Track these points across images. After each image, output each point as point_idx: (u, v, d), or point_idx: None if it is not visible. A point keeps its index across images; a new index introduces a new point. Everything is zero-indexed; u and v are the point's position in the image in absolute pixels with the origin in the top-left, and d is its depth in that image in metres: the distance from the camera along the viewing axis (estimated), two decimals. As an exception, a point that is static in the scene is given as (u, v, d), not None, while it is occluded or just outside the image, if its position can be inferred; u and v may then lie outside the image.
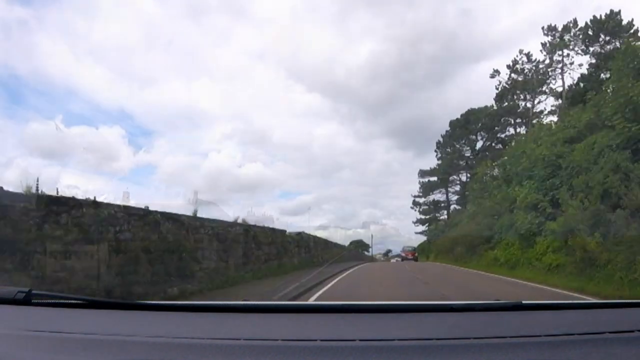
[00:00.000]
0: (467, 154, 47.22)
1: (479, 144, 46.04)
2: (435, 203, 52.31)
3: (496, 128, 43.34)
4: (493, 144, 43.98)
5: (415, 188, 52.07)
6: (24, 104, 62.19)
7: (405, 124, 77.68)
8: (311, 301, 7.54)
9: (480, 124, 44.42)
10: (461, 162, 47.36)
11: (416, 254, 38.56)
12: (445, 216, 50.44)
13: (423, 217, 54.06)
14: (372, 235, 68.24)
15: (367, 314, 1.41)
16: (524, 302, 1.51)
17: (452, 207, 50.81)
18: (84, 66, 66.15)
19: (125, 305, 1.49)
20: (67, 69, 64.97)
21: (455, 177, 48.98)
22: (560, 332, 1.14)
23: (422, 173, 50.98)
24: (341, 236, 52.28)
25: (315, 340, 1.06)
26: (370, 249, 76.26)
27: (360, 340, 1.06)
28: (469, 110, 45.25)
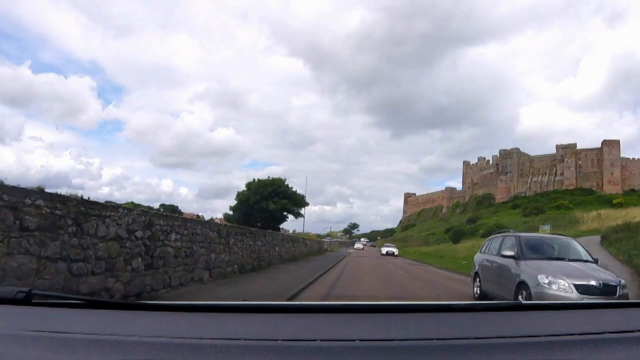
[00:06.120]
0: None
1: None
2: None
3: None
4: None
5: (389, 170, 30.21)
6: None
7: (386, 101, 76.60)
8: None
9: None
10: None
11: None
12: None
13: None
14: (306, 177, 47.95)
15: (367, 314, 1.41)
16: (524, 302, 1.52)
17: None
18: (58, 10, 64.37)
19: (125, 305, 1.49)
20: (41, 13, 63.23)
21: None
22: (560, 332, 1.14)
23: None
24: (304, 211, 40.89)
25: (315, 340, 1.06)
26: (303, 210, 36.23)
27: (360, 340, 1.06)
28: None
